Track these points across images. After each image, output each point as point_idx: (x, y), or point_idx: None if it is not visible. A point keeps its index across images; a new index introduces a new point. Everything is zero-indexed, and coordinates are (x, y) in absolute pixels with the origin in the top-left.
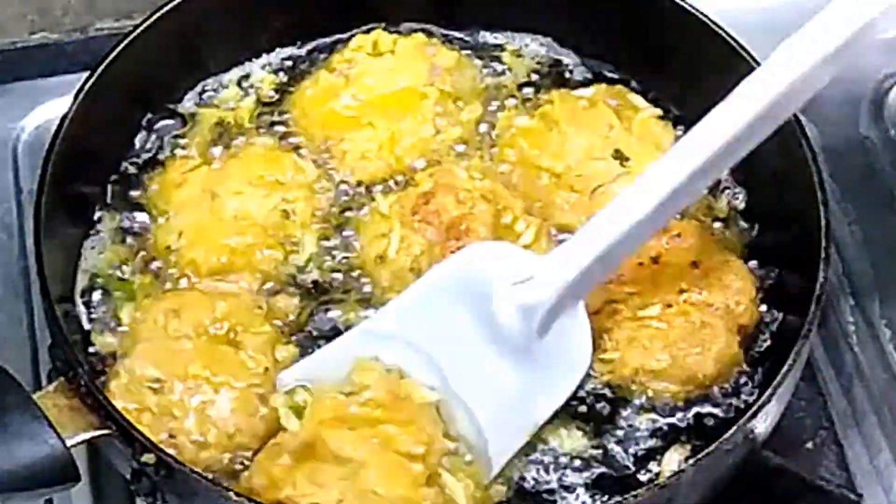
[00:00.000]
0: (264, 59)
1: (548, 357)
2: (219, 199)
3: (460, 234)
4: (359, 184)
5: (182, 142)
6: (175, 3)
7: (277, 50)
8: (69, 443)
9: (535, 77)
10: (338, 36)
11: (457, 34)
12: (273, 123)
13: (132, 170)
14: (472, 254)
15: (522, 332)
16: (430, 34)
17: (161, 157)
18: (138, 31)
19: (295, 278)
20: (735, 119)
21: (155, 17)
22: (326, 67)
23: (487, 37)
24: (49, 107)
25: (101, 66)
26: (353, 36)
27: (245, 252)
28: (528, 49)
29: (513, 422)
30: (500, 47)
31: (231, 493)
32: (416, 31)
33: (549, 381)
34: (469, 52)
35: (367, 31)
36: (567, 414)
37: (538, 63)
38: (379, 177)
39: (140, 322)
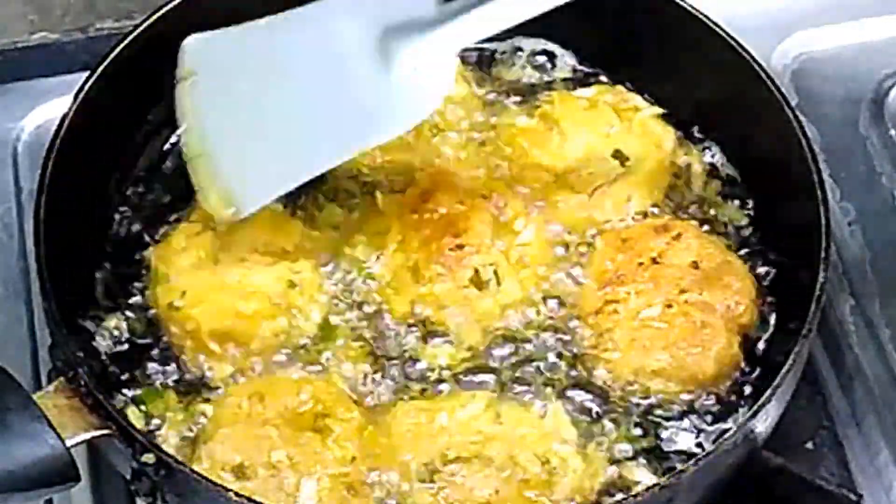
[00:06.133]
0: None
1: (406, 88)
2: (221, 265)
3: (459, 232)
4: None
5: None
6: (175, 3)
7: None
8: (69, 443)
9: (534, 78)
10: None
11: None
12: None
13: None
14: None
15: (397, 61)
16: None
17: (164, 167)
18: (138, 31)
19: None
20: None
21: (155, 17)
22: None
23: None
24: (49, 107)
25: (101, 66)
26: None
27: (250, 318)
28: (527, 50)
29: (350, 132)
30: (496, 49)
31: (231, 493)
32: None
33: (398, 108)
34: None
35: None
36: (567, 413)
37: (537, 64)
38: (375, 178)
39: (223, 407)
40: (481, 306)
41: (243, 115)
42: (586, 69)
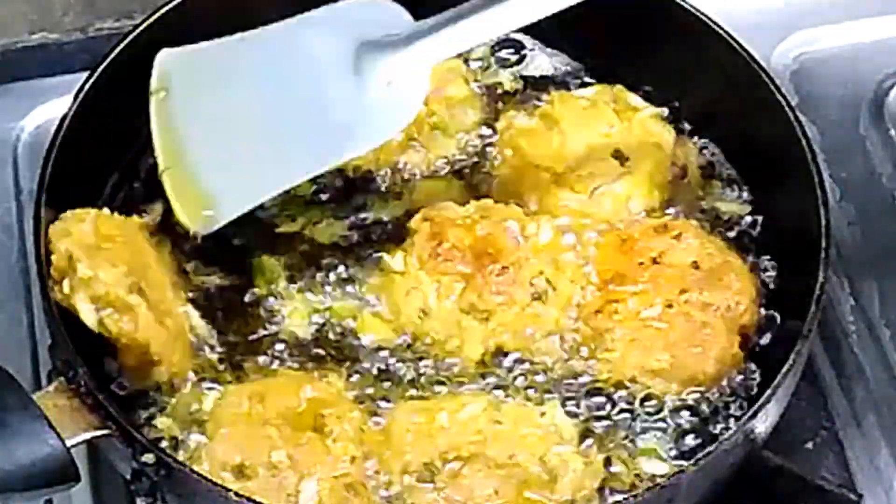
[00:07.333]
0: None
1: (380, 103)
2: None
3: (496, 258)
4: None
5: None
6: (175, 3)
7: None
8: (69, 443)
9: (533, 78)
10: None
11: None
12: None
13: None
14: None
15: (372, 77)
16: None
17: None
18: (138, 31)
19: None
20: None
21: (155, 17)
22: None
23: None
24: (49, 107)
25: (101, 66)
26: None
27: None
28: (527, 49)
29: (324, 145)
30: (497, 49)
31: (231, 494)
32: None
33: (372, 122)
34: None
35: None
36: (567, 413)
37: (537, 65)
38: (364, 169)
39: (224, 407)
40: (548, 316)
41: (218, 129)
42: (586, 69)
